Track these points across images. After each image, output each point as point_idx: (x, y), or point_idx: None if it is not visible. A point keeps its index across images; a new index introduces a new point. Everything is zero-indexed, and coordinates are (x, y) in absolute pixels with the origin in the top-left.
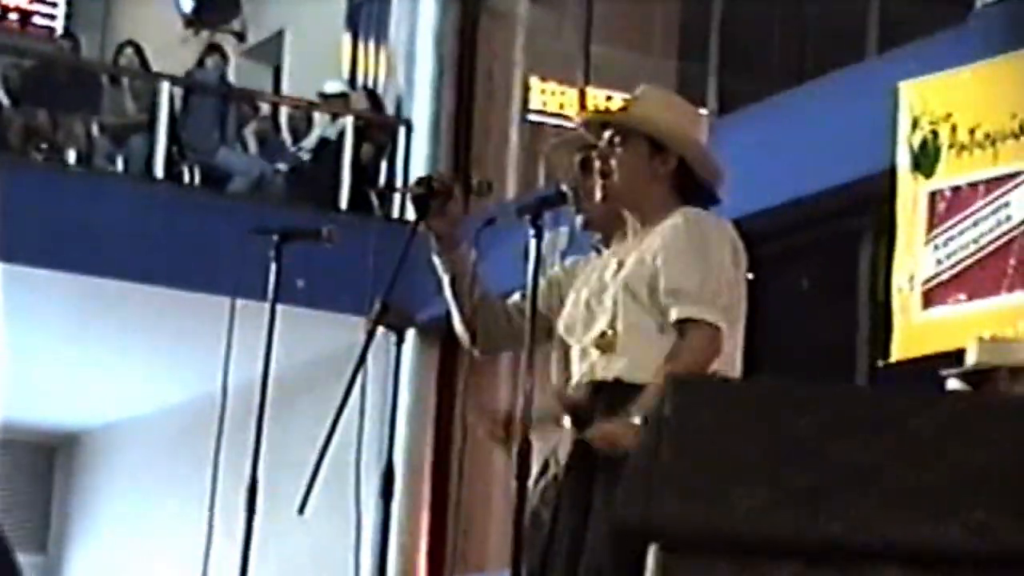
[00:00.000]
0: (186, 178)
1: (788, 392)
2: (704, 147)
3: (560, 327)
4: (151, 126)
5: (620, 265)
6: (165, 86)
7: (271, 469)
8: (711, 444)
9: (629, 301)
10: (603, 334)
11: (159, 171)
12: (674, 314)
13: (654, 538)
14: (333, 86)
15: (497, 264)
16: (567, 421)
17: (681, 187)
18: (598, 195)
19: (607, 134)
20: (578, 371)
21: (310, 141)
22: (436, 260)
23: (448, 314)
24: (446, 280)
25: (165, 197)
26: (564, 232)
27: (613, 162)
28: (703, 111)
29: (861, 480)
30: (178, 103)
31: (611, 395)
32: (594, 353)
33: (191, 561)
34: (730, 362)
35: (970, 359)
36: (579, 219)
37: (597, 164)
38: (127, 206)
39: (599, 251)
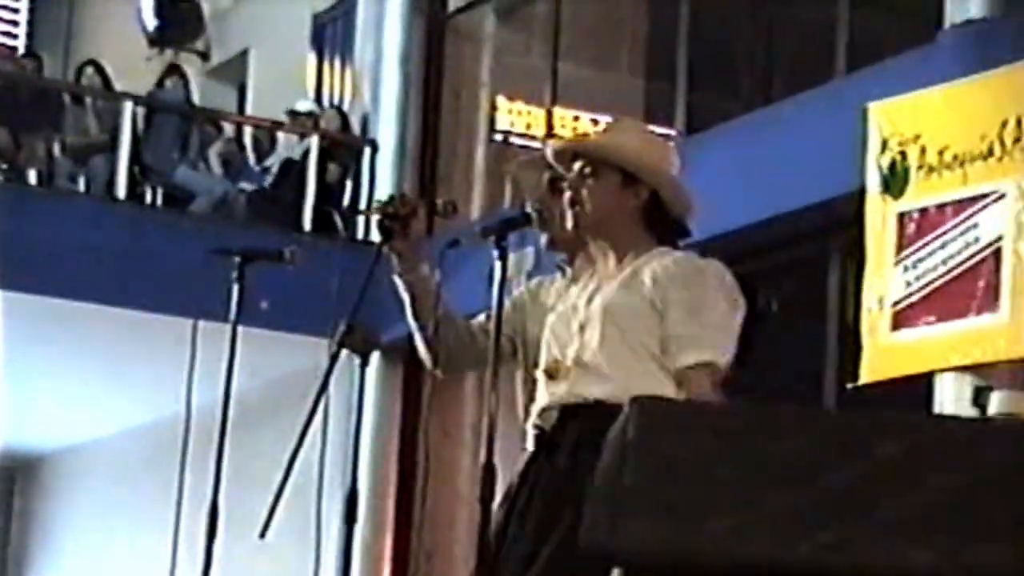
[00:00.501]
0: (148, 198)
1: (757, 416)
2: (676, 181)
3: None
4: (113, 146)
5: (595, 291)
6: (128, 106)
7: (234, 492)
8: (675, 467)
9: (617, 334)
10: (556, 361)
11: (121, 191)
12: (679, 361)
13: (618, 562)
14: (304, 104)
15: (462, 285)
16: (532, 442)
17: (651, 219)
18: (569, 223)
19: (578, 164)
20: (545, 394)
21: (274, 161)
22: (398, 280)
23: (411, 335)
24: (407, 300)
25: (127, 217)
26: (530, 253)
27: (584, 192)
28: (671, 131)
29: (832, 505)
30: (140, 123)
31: (589, 418)
32: (564, 378)
33: None
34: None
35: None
36: (544, 238)
37: (568, 194)
38: (89, 226)
39: (563, 271)
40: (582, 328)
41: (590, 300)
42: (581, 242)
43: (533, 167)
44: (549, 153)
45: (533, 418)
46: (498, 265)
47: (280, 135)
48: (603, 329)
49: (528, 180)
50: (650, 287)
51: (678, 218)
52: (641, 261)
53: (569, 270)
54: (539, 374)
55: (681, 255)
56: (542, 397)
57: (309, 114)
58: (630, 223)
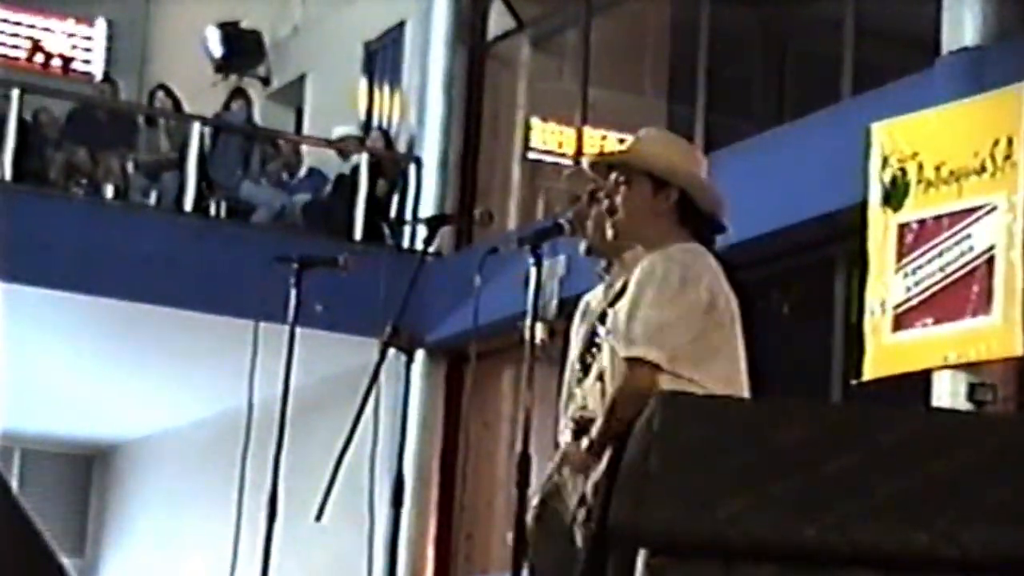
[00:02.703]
0: (213, 211)
1: (769, 408)
2: (703, 180)
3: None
4: (182, 163)
5: (612, 300)
6: (196, 126)
7: (291, 480)
8: (696, 455)
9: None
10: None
11: (189, 204)
12: (621, 355)
13: (643, 543)
14: (344, 129)
15: (499, 289)
16: (567, 436)
17: (685, 219)
18: (609, 232)
19: (613, 175)
20: (579, 396)
21: (328, 177)
22: None
23: (454, 335)
24: None
25: (194, 229)
26: (561, 260)
27: (618, 200)
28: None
29: (836, 489)
30: (207, 142)
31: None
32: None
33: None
34: (730, 379)
35: None
36: (582, 246)
37: (605, 203)
38: (160, 237)
39: (602, 278)
40: (597, 335)
41: (612, 304)
42: (618, 249)
43: (580, 178)
44: (585, 165)
45: (570, 414)
46: (533, 271)
47: (332, 153)
48: (612, 354)
49: (578, 187)
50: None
51: (711, 215)
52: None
53: (607, 276)
54: (577, 374)
55: (669, 250)
56: (578, 395)
57: (358, 136)
58: (666, 224)
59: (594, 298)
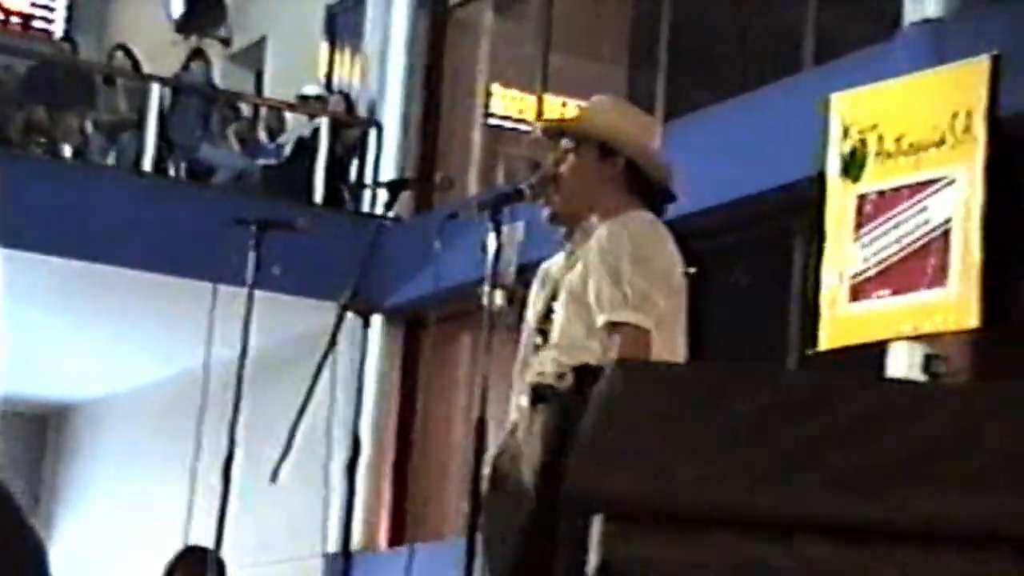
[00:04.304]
0: (172, 172)
1: (728, 376)
2: (650, 148)
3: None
4: (141, 124)
5: (571, 268)
6: (155, 87)
7: (248, 442)
8: (654, 423)
9: (573, 304)
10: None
11: (148, 165)
12: (601, 319)
13: (599, 509)
14: (311, 89)
15: (459, 254)
16: (525, 400)
17: (634, 188)
18: (555, 200)
19: (564, 141)
20: (536, 362)
21: (288, 139)
22: None
23: (413, 300)
24: None
25: (153, 189)
26: (520, 226)
27: (564, 167)
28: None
29: (793, 458)
30: (166, 103)
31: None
32: (550, 347)
33: (173, 526)
34: (672, 349)
35: None
36: (545, 212)
37: (553, 169)
38: (118, 197)
39: (563, 246)
40: (556, 301)
41: (567, 274)
42: (578, 217)
43: (542, 145)
44: (537, 131)
45: (526, 380)
46: (492, 236)
47: (290, 115)
48: (567, 305)
49: (539, 156)
50: (592, 254)
51: (660, 183)
52: (607, 227)
53: (568, 244)
54: (532, 344)
55: (618, 221)
56: (535, 362)
57: (318, 97)
58: (614, 192)
59: (554, 265)
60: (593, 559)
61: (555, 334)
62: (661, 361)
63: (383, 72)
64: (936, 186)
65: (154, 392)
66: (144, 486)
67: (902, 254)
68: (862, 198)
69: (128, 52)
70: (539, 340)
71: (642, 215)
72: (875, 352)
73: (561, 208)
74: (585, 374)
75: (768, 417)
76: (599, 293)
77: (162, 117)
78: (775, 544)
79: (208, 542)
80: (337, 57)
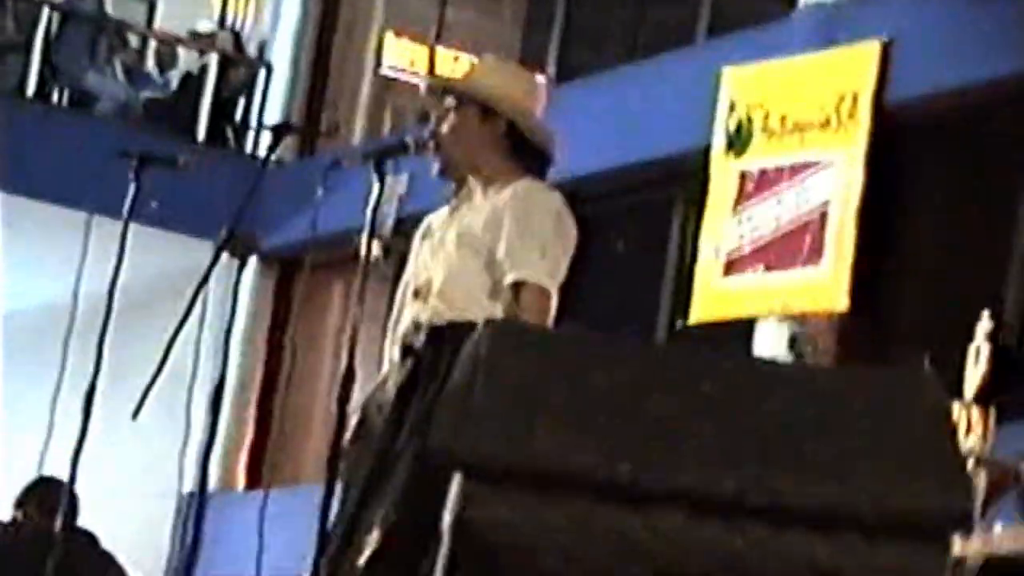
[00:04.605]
0: (55, 99)
1: (597, 345)
2: (531, 112)
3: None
4: (27, 47)
5: (459, 220)
6: (45, 10)
7: (113, 378)
8: (521, 385)
9: (467, 257)
10: (424, 283)
11: (31, 90)
12: (510, 277)
13: (459, 467)
14: (204, 25)
15: (341, 203)
16: (396, 354)
17: (514, 150)
18: (435, 160)
19: (447, 100)
20: (410, 315)
21: (175, 74)
22: None
23: (289, 243)
24: None
25: (35, 114)
26: (404, 180)
27: (445, 125)
28: (541, 78)
29: (653, 430)
30: (55, 28)
31: (444, 337)
32: (428, 299)
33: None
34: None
35: None
36: (436, 166)
37: (434, 128)
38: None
39: (448, 201)
40: (439, 255)
41: (452, 227)
42: (463, 175)
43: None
44: (422, 88)
45: (400, 332)
46: (376, 187)
47: (180, 52)
48: (454, 257)
49: (430, 108)
50: (492, 217)
51: (540, 147)
52: (506, 192)
53: (454, 200)
54: (410, 295)
55: (527, 184)
56: (409, 314)
57: (210, 35)
58: (492, 154)
59: (437, 219)
60: (448, 517)
61: (436, 285)
62: (533, 324)
63: (277, 13)
64: (817, 167)
65: (19, 319)
66: (1, 414)
67: (779, 232)
68: (744, 175)
69: None
70: (415, 293)
71: (537, 184)
72: (744, 328)
73: (443, 166)
74: (458, 329)
75: (633, 389)
76: (512, 250)
77: (47, 42)
78: (632, 514)
79: (63, 475)
80: None
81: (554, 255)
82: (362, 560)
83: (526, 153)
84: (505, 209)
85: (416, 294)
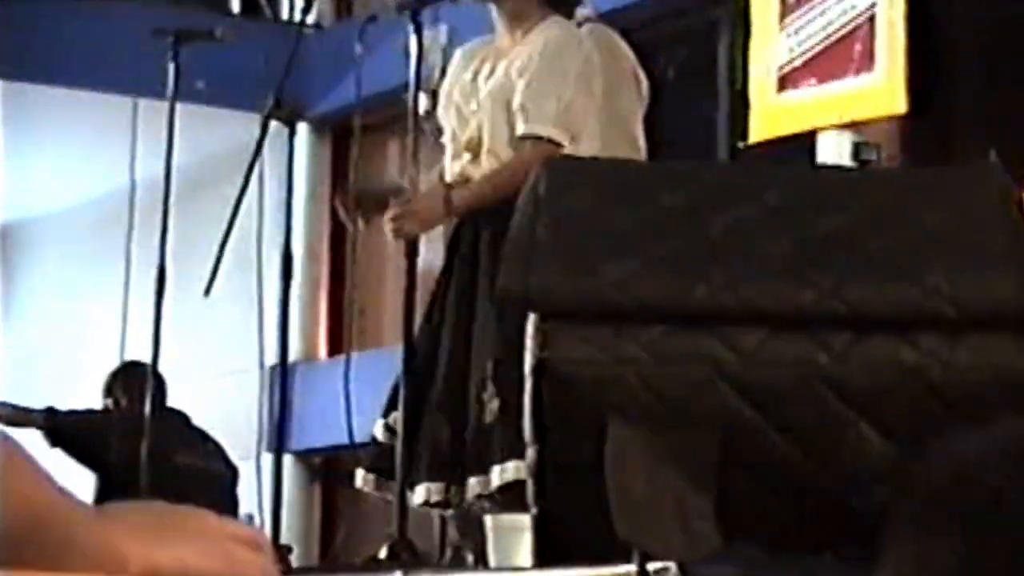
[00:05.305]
0: None
1: (655, 170)
2: None
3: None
4: None
5: (491, 72)
6: None
7: (179, 257)
8: (583, 220)
9: (497, 109)
10: (470, 139)
11: None
12: (520, 130)
13: (533, 308)
14: None
15: (381, 60)
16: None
17: None
18: None
19: None
20: (450, 171)
21: None
22: None
23: (338, 107)
24: None
25: (66, 2)
26: (443, 29)
27: None
28: None
29: (723, 248)
30: None
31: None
32: (465, 156)
33: (109, 345)
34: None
35: None
36: None
37: None
38: (31, 14)
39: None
40: (480, 109)
41: (487, 78)
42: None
43: None
44: None
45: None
46: (414, 39)
47: None
48: (492, 112)
49: None
50: (521, 68)
51: None
52: (532, 37)
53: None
54: (450, 148)
55: (557, 32)
56: (448, 172)
57: None
58: None
59: (470, 58)
60: (529, 358)
61: (486, 143)
62: (587, 159)
63: None
64: None
65: (81, 212)
66: (77, 308)
67: (827, 42)
68: None
69: None
70: (464, 146)
71: (567, 25)
72: (805, 142)
73: None
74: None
75: (697, 209)
76: (524, 102)
77: None
78: (710, 336)
79: (145, 359)
80: None
81: (572, 102)
82: (489, 417)
83: None
84: (531, 60)
85: (466, 148)
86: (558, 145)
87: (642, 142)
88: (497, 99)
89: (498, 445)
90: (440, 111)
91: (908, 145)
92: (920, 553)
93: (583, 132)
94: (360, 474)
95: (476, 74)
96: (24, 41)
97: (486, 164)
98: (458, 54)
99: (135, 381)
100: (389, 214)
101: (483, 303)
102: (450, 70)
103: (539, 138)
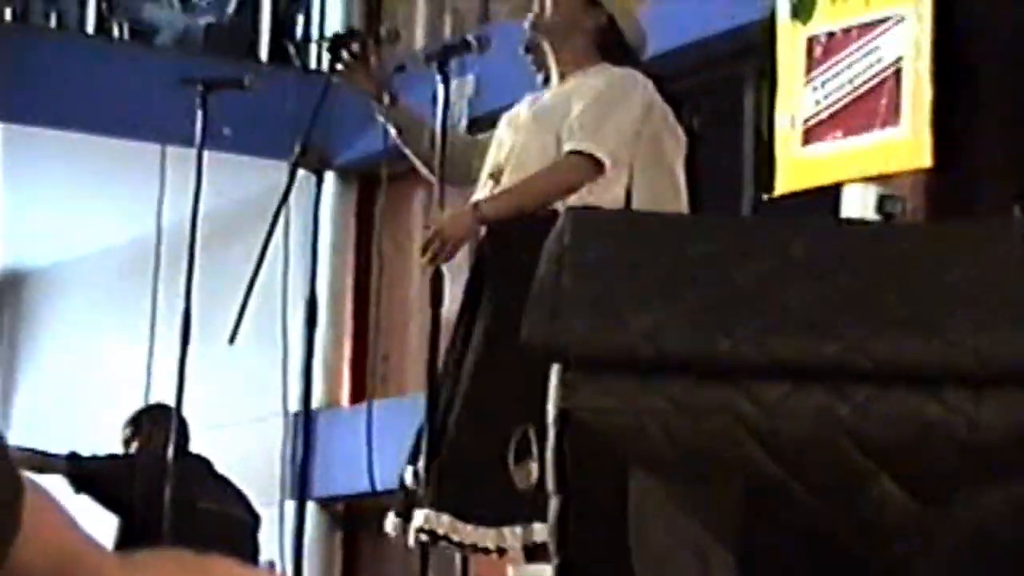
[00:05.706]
0: (116, 33)
1: (680, 222)
2: (633, 12)
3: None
4: None
5: (536, 100)
6: None
7: (204, 304)
8: (608, 270)
9: (539, 132)
10: (496, 165)
11: (90, 26)
12: (567, 147)
13: (557, 358)
14: None
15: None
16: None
17: (604, 44)
18: (527, 23)
19: None
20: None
21: None
22: (379, 117)
23: (365, 156)
24: (394, 132)
25: (97, 51)
26: (471, 80)
27: (548, 2)
28: None
29: (748, 300)
30: None
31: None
32: (488, 183)
33: (133, 391)
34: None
35: None
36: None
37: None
38: (62, 60)
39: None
40: (515, 137)
41: (531, 105)
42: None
43: None
44: None
45: None
46: (441, 88)
47: None
48: (527, 134)
49: None
50: (570, 95)
51: (630, 48)
52: (587, 79)
53: (538, 91)
54: (486, 177)
55: (621, 72)
56: (483, 196)
57: None
58: (583, 42)
59: (522, 106)
60: (552, 409)
61: (510, 164)
62: (612, 209)
63: None
64: (886, 25)
65: (108, 257)
66: (102, 354)
67: (853, 95)
68: (812, 40)
69: None
70: (490, 175)
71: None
72: (830, 195)
73: (531, 44)
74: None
75: (722, 261)
76: (572, 123)
77: None
78: (734, 389)
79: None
80: None
81: (618, 127)
82: (533, 479)
83: (616, 50)
84: (592, 88)
85: (491, 176)
86: (599, 165)
87: (684, 190)
88: (539, 118)
89: (530, 508)
90: (489, 156)
91: (933, 198)
92: None
93: (631, 165)
94: (390, 519)
95: (525, 111)
96: (55, 89)
97: (508, 182)
98: (503, 120)
99: (159, 424)
100: (419, 243)
101: (501, 340)
102: (505, 119)
103: (582, 154)
